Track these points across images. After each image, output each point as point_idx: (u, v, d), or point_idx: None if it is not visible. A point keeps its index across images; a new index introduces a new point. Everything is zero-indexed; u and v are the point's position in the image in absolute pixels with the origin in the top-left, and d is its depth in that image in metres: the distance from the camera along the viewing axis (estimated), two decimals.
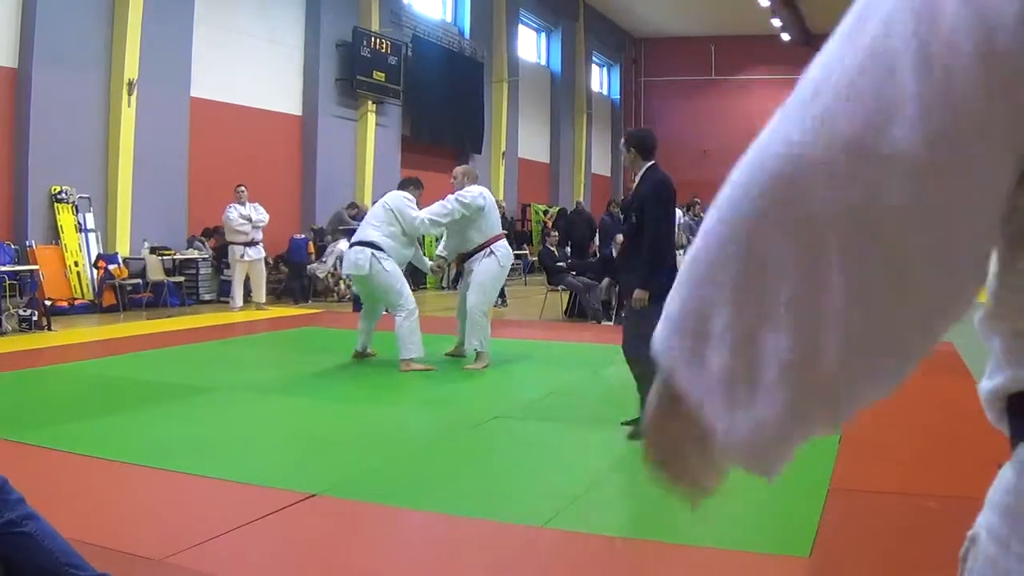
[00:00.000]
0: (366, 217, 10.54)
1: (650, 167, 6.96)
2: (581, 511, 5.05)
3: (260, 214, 16.32)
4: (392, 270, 9.69)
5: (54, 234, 15.85)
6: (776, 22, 34.16)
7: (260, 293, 16.68)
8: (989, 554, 0.92)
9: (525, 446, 6.79)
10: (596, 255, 18.94)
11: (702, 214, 20.26)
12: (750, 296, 0.89)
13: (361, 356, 10.43)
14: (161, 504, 5.21)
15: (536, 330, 13.73)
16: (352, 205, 21.90)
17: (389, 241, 9.75)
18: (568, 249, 18.23)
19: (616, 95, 43.51)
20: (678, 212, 18.93)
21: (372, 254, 9.61)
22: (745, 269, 0.88)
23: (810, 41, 37.09)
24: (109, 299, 16.01)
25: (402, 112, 25.52)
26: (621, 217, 20.34)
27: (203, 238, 18.18)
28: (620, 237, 15.39)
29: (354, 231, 20.51)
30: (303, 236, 19.73)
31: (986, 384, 0.97)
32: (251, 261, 16.26)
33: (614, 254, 14.83)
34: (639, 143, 7.04)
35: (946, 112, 0.78)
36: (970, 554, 0.98)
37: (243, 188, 16.21)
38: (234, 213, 16.02)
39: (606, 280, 15.15)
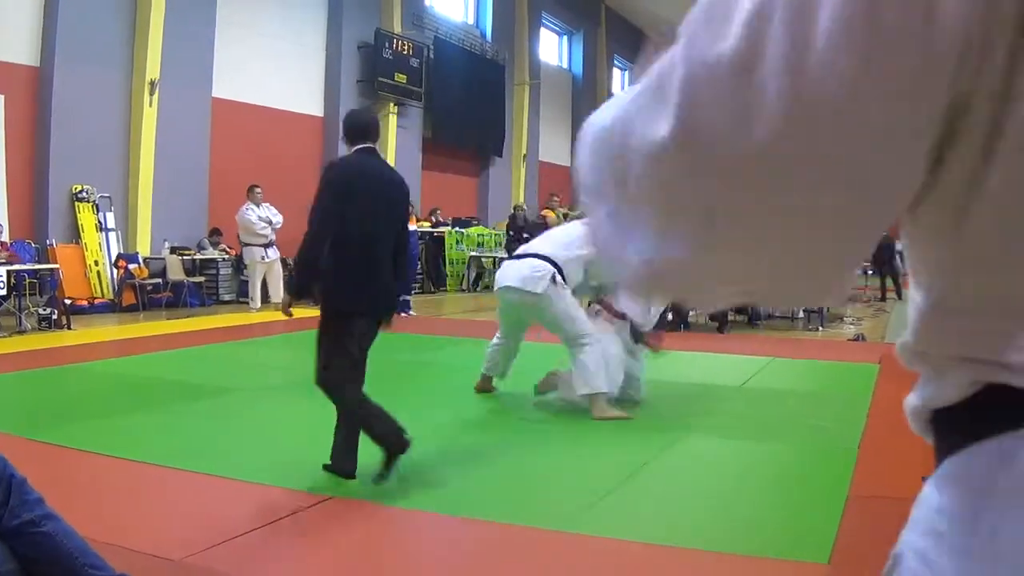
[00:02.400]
0: (550, 232, 8.70)
1: (355, 151, 5.99)
2: (599, 516, 5.03)
3: (276, 215, 16.32)
4: (570, 297, 7.79)
5: (74, 233, 15.93)
6: None
7: (279, 293, 16.69)
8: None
9: (546, 449, 6.77)
10: None
11: None
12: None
13: (487, 388, 8.63)
14: (179, 504, 5.22)
15: None
16: None
17: (572, 266, 7.79)
18: None
19: None
20: None
21: (554, 275, 7.67)
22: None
23: None
24: (129, 298, 16.07)
25: (423, 114, 25.56)
26: None
27: (213, 238, 18.16)
28: None
29: None
30: None
31: (912, 399, 0.95)
32: (270, 262, 16.27)
33: None
34: (347, 125, 6.04)
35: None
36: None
37: (259, 189, 16.20)
38: (253, 215, 15.97)
39: None
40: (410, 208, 6.53)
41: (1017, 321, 0.81)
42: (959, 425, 0.86)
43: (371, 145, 5.99)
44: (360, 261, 5.70)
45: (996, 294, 0.82)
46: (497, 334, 8.52)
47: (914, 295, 0.91)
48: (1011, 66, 0.73)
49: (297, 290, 6.07)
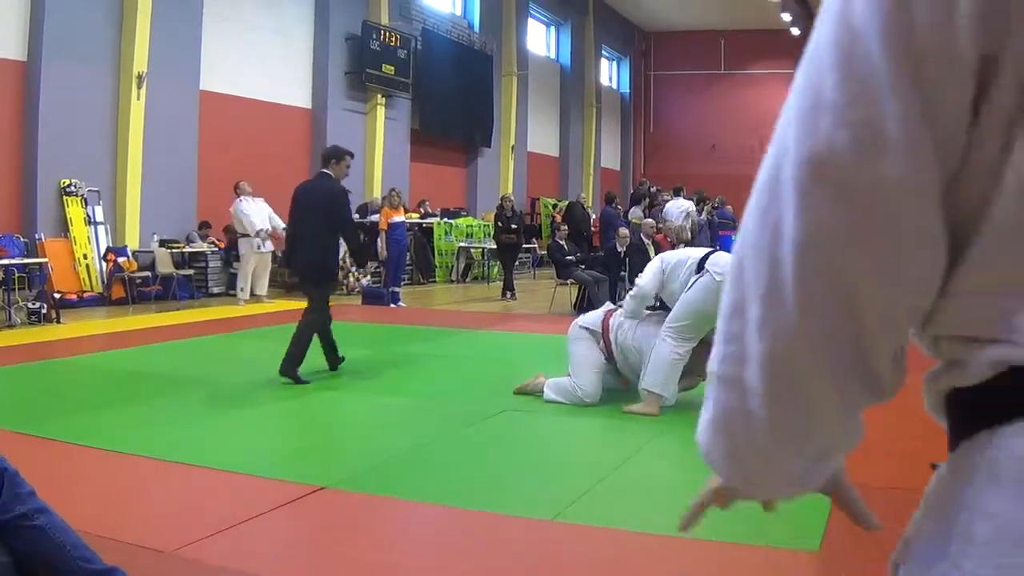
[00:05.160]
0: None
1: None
2: (590, 505, 5.05)
3: (278, 222, 16.36)
4: None
5: (63, 227, 15.88)
6: (786, 16, 34.06)
7: (263, 286, 16.65)
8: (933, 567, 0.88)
9: (534, 440, 6.79)
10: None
11: (715, 212, 20.45)
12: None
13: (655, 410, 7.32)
14: (170, 496, 5.22)
15: (545, 323, 13.69)
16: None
17: None
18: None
19: (625, 89, 43.43)
20: (687, 206, 18.99)
21: None
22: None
23: None
24: (118, 292, 16.03)
25: (411, 105, 25.52)
26: (621, 211, 20.51)
27: (202, 231, 18.11)
28: (623, 230, 15.45)
29: (363, 223, 20.66)
30: None
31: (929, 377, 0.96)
32: (263, 254, 16.24)
33: (618, 247, 14.87)
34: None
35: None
36: (900, 568, 0.96)
37: (246, 183, 16.13)
38: (250, 205, 15.95)
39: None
40: (341, 206, 8.96)
41: None
42: (974, 409, 0.87)
43: (323, 171, 8.94)
44: (290, 246, 9.11)
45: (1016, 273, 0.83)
46: (674, 343, 7.20)
47: None
48: None
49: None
